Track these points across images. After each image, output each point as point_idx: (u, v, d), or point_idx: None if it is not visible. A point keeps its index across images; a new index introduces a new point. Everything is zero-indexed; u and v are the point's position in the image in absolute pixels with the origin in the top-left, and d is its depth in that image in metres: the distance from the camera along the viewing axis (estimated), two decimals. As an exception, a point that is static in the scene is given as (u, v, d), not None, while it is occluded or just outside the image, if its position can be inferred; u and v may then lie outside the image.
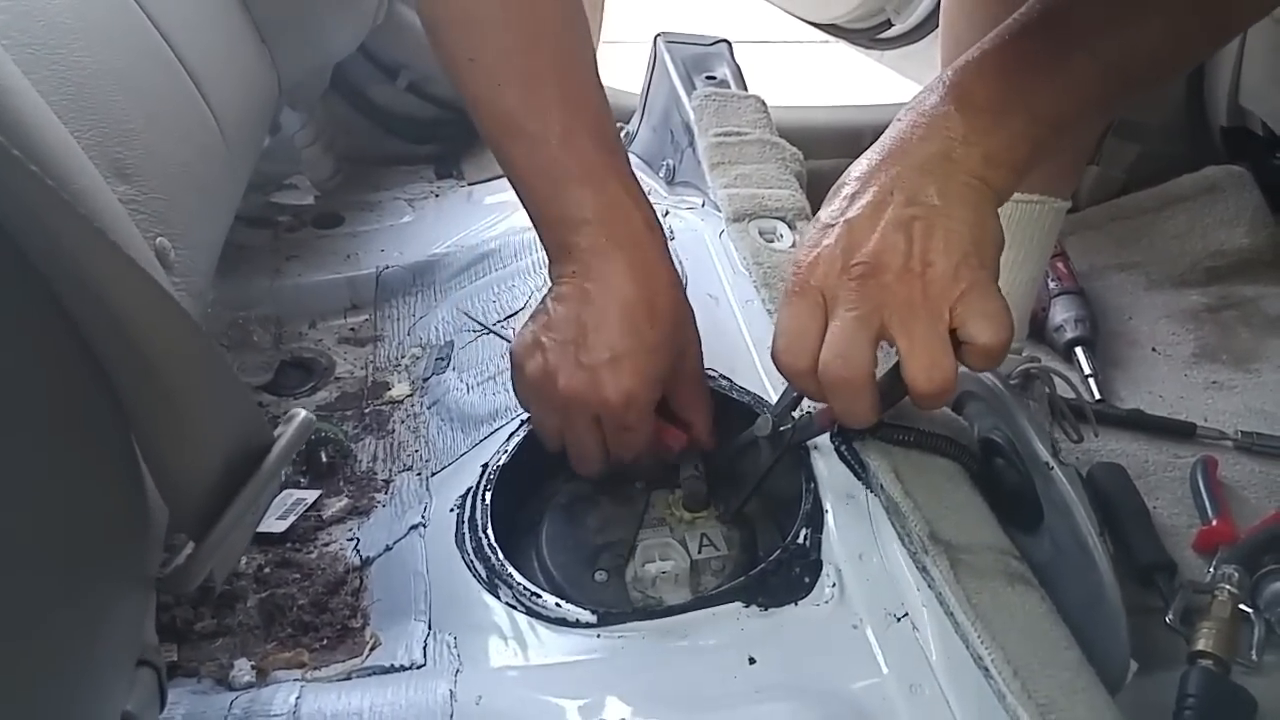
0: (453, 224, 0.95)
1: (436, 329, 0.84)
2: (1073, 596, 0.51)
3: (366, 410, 0.78)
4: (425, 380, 0.79)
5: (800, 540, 0.54)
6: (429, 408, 0.76)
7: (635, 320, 0.55)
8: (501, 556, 0.54)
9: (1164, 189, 1.15)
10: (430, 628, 0.53)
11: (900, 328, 0.49)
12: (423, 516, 0.60)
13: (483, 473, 0.60)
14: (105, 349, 0.35)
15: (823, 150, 1.07)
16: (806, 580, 0.52)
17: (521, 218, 0.94)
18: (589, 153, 0.57)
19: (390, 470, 0.72)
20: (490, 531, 0.56)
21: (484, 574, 0.54)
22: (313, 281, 0.89)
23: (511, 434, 0.63)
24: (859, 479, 0.55)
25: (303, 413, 0.41)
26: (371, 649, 0.53)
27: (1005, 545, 0.49)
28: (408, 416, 0.76)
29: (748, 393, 0.64)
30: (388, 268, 0.90)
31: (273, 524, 0.64)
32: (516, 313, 0.81)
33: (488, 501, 0.58)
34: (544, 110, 0.56)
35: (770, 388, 0.65)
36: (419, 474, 0.70)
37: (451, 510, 0.59)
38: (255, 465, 0.39)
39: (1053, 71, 0.50)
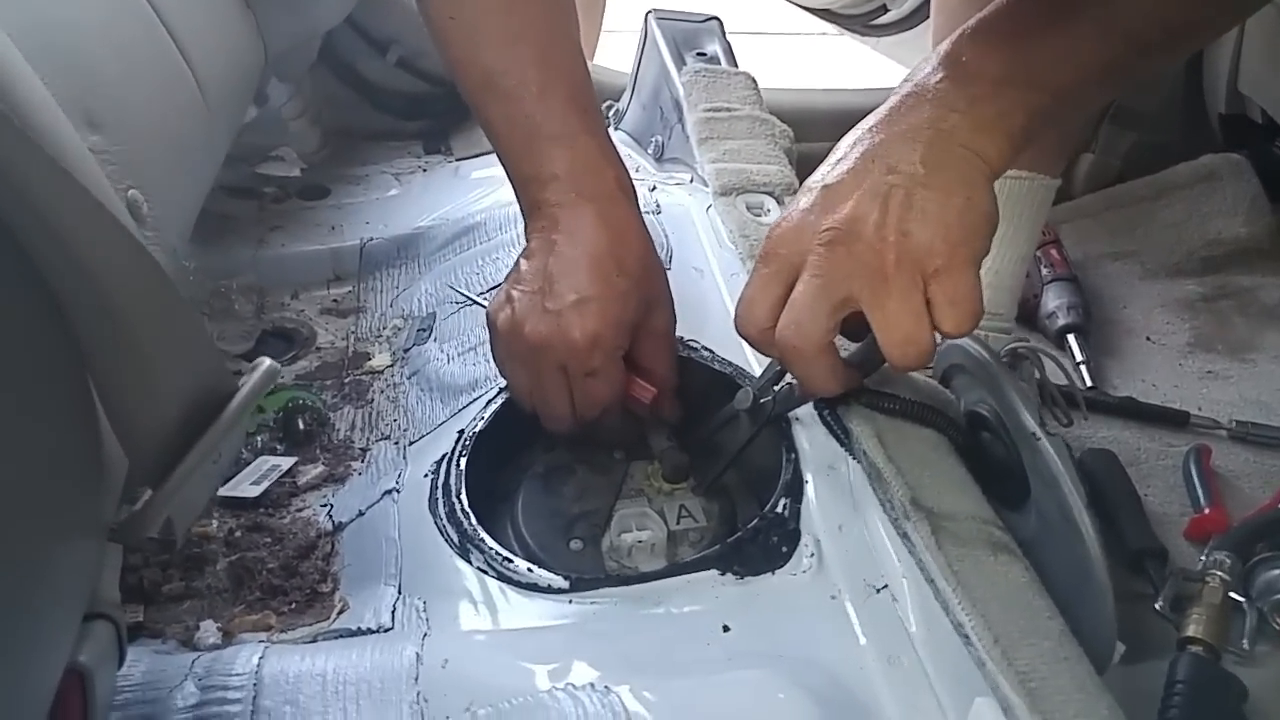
0: (439, 198, 0.94)
1: (419, 301, 0.83)
2: (1059, 572, 0.50)
3: (346, 380, 0.77)
4: (406, 351, 0.78)
5: (779, 510, 0.53)
6: (409, 378, 0.75)
7: (603, 268, 0.54)
8: (474, 521, 0.53)
9: (1161, 177, 1.14)
10: (400, 592, 0.52)
11: (871, 299, 0.48)
12: (397, 482, 0.59)
13: (459, 439, 0.59)
14: (65, 289, 0.34)
15: (815, 133, 1.06)
16: (784, 550, 0.51)
17: (508, 192, 0.92)
18: (562, 110, 0.56)
19: (368, 439, 0.70)
20: (464, 497, 0.55)
21: (456, 539, 0.53)
22: (296, 252, 0.88)
23: (489, 401, 0.62)
24: (841, 445, 0.54)
25: (267, 361, 0.40)
26: (340, 612, 0.52)
27: (988, 515, 0.48)
28: (387, 386, 0.75)
29: (730, 364, 0.63)
30: (372, 240, 0.89)
31: (246, 489, 0.63)
32: (496, 286, 0.79)
33: (462, 467, 0.57)
34: (520, 68, 0.56)
35: (753, 361, 0.64)
36: (396, 443, 0.69)
37: (426, 476, 0.58)
38: (216, 413, 0.38)
39: (1052, 37, 0.49)
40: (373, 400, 0.74)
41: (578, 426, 0.58)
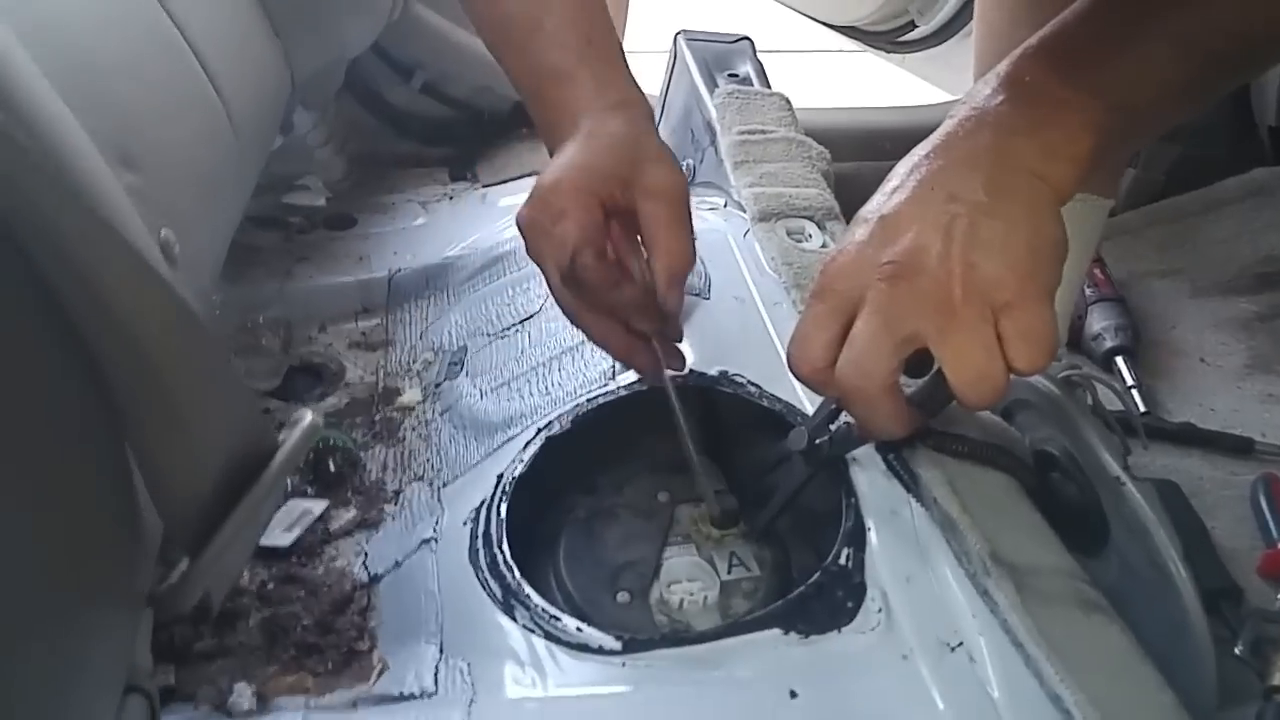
0: (466, 226, 0.92)
1: (449, 333, 0.81)
2: (1147, 626, 0.47)
3: (376, 417, 0.74)
4: (437, 386, 0.76)
5: (841, 561, 0.49)
6: (441, 414, 0.73)
7: (574, 150, 0.54)
8: (518, 575, 0.51)
9: (1207, 192, 1.10)
10: (442, 651, 0.49)
11: (937, 335, 0.45)
12: (434, 530, 0.57)
13: (498, 484, 0.57)
14: (101, 346, 0.32)
15: (844, 153, 1.04)
16: (850, 605, 0.47)
17: None
18: (576, 52, 0.56)
19: (400, 480, 0.68)
20: (506, 547, 0.52)
21: (499, 593, 0.50)
22: (324, 284, 0.86)
23: (528, 443, 0.60)
24: (909, 491, 0.51)
25: (309, 415, 0.38)
26: (379, 674, 0.49)
27: (1074, 569, 0.45)
28: (419, 424, 0.73)
29: (779, 400, 0.60)
30: (400, 270, 0.87)
31: (278, 537, 0.60)
32: (531, 316, 0.77)
33: (503, 515, 0.54)
34: (542, 12, 0.57)
35: (804, 396, 0.61)
36: (430, 484, 0.67)
37: (465, 524, 0.55)
38: (256, 474, 0.35)
39: (1121, 52, 0.46)
40: (404, 439, 0.72)
41: (568, 280, 0.56)
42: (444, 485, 0.66)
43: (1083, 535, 0.51)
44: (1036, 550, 0.44)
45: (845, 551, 0.50)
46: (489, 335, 0.78)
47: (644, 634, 0.51)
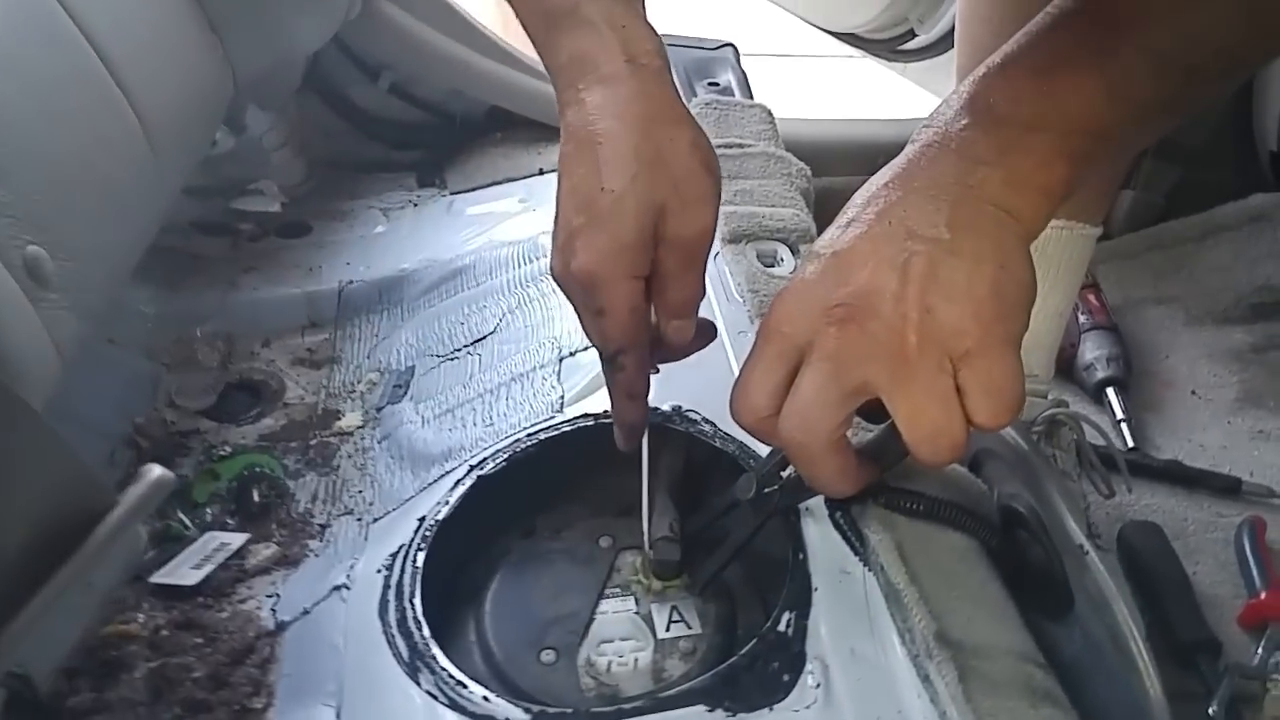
0: (428, 237, 0.88)
1: (398, 352, 0.76)
2: (1106, 703, 0.42)
3: (313, 442, 0.70)
4: (379, 410, 0.71)
5: (781, 627, 0.45)
6: (380, 442, 0.68)
7: (583, 188, 0.44)
8: (426, 633, 0.46)
9: (1206, 217, 1.05)
10: (339, 717, 0.45)
11: (890, 387, 0.40)
12: (348, 575, 0.52)
13: (417, 528, 0.52)
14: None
15: (833, 167, 0.99)
16: (786, 678, 0.43)
17: (502, 230, 0.87)
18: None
19: (329, 513, 0.64)
20: (417, 601, 0.48)
21: (405, 653, 0.46)
22: (270, 296, 0.81)
23: (458, 481, 0.55)
24: (855, 554, 0.46)
25: (157, 470, 0.33)
26: (267, 741, 0.44)
27: (1028, 649, 0.40)
28: (356, 451, 0.69)
29: (733, 440, 0.56)
30: (351, 283, 0.83)
31: (184, 574, 0.56)
32: (484, 337, 0.73)
33: (418, 564, 0.50)
34: None
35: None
36: (359, 519, 0.62)
37: (379, 571, 0.51)
38: (84, 536, 0.31)
39: (1092, 70, 0.41)
40: (339, 467, 0.68)
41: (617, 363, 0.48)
42: (374, 521, 0.62)
43: (1047, 599, 0.47)
44: (988, 627, 0.40)
45: (787, 616, 0.45)
46: (438, 356, 0.74)
47: (566, 699, 0.47)
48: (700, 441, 0.57)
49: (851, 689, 0.43)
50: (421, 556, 0.50)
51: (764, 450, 0.55)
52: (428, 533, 0.52)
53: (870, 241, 0.42)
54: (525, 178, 0.96)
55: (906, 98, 1.56)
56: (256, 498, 0.64)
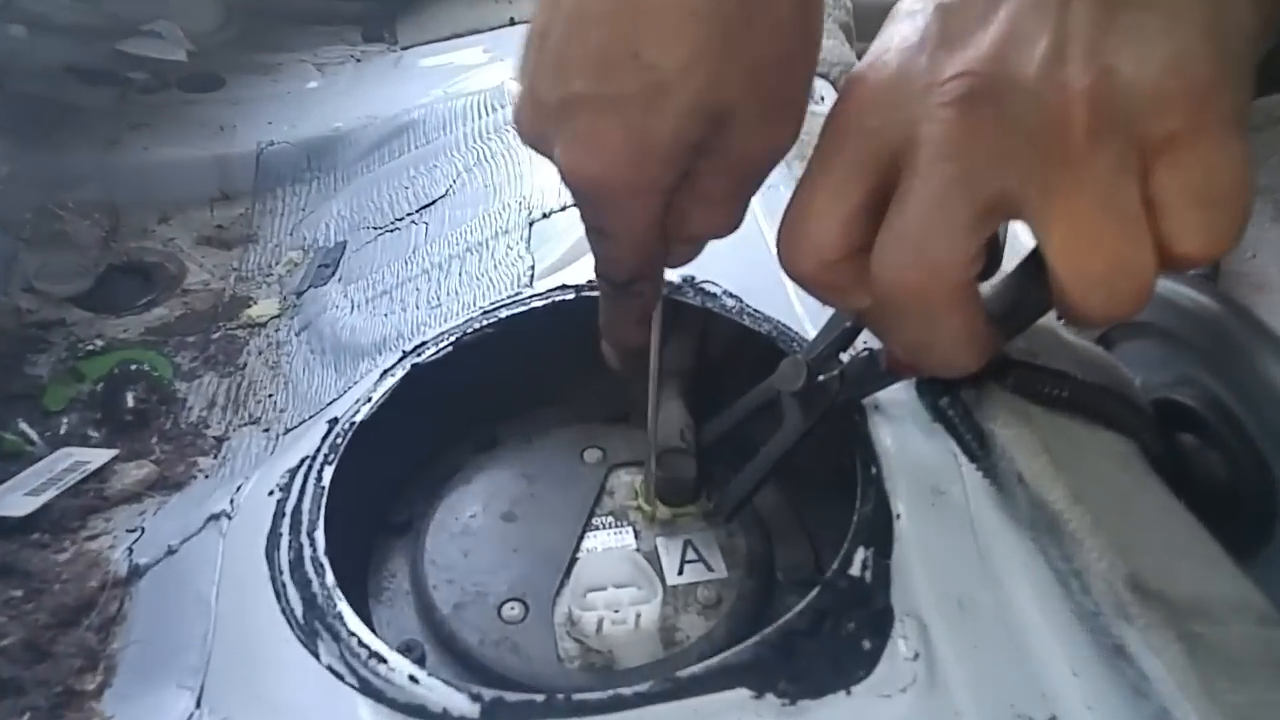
0: (369, 94, 0.71)
1: (327, 226, 0.60)
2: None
3: (214, 336, 0.54)
4: (299, 295, 0.55)
5: (855, 570, 0.30)
6: (298, 334, 0.53)
7: (608, 43, 0.27)
8: (330, 580, 0.31)
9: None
10: (199, 705, 0.30)
11: (1042, 199, 0.25)
12: (231, 501, 0.37)
13: (326, 434, 0.37)
14: None
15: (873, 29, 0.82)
16: (867, 645, 0.29)
17: (461, 83, 0.71)
18: None
19: (229, 423, 0.48)
20: (319, 535, 0.33)
21: (299, 610, 0.31)
22: (168, 159, 0.65)
23: (386, 372, 0.40)
24: (973, 460, 0.31)
25: None
26: (90, 740, 0.30)
27: (1265, 608, 0.25)
28: (268, 346, 0.53)
29: (766, 319, 0.41)
30: (273, 144, 0.66)
31: (15, 502, 0.41)
32: (434, 202, 0.57)
33: (324, 482, 0.35)
34: None
35: (805, 314, 0.41)
36: (267, 430, 0.47)
37: (271, 494, 0.35)
38: None
39: None
40: (245, 366, 0.52)
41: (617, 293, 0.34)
42: (286, 431, 0.47)
43: (1231, 530, 0.32)
44: (1197, 573, 0.25)
45: (861, 554, 0.31)
46: (375, 229, 0.58)
47: (538, 673, 0.33)
48: (722, 320, 0.41)
49: (967, 661, 0.28)
50: (330, 472, 0.35)
51: (812, 326, 0.40)
52: (339, 440, 0.36)
53: None
54: (493, 29, 0.78)
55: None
56: (131, 404, 0.48)
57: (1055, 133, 0.25)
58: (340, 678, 0.29)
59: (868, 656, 0.28)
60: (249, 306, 0.56)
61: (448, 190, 0.57)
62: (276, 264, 0.59)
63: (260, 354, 0.52)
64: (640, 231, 0.31)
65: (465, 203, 0.55)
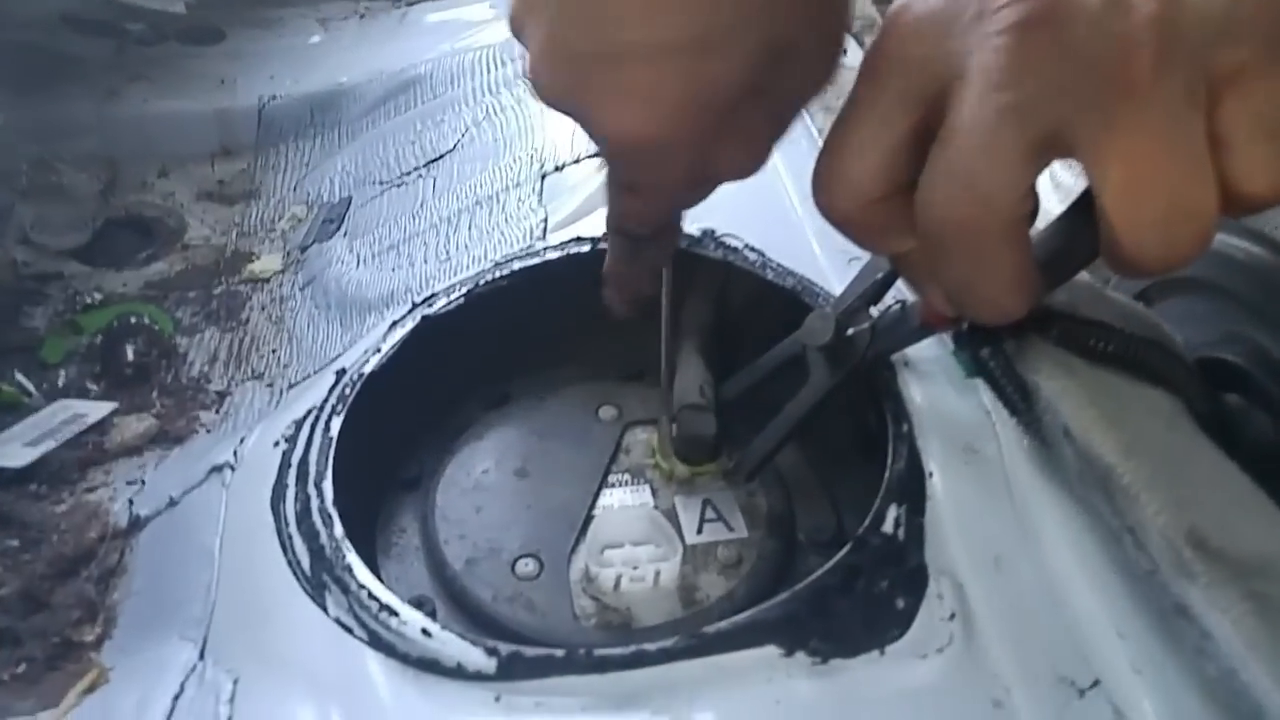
0: (374, 49, 0.69)
1: (332, 181, 0.59)
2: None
3: (216, 291, 0.53)
4: (304, 250, 0.54)
5: (887, 528, 0.29)
6: (302, 289, 0.51)
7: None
8: (338, 531, 0.30)
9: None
10: (202, 657, 0.29)
11: (1102, 133, 0.24)
12: (235, 453, 0.36)
13: (334, 384, 0.36)
14: None
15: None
16: (900, 604, 0.27)
17: (468, 38, 0.69)
18: None
19: (231, 378, 0.47)
20: (327, 485, 0.32)
21: (306, 562, 0.30)
22: (167, 111, 0.63)
23: (395, 323, 0.38)
24: (1015, 413, 0.30)
25: None
26: (86, 692, 0.29)
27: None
28: (271, 301, 0.52)
29: (791, 274, 0.39)
30: (275, 99, 0.64)
31: (13, 452, 0.39)
32: (442, 156, 0.55)
33: (332, 432, 0.33)
34: None
35: (830, 269, 0.40)
36: (270, 384, 0.46)
37: (277, 444, 0.34)
38: None
39: None
40: (248, 320, 0.51)
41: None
42: (290, 386, 0.45)
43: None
44: (1263, 531, 0.24)
45: (894, 512, 0.30)
46: (381, 184, 0.56)
47: (555, 629, 0.31)
48: (743, 274, 0.40)
49: (1004, 621, 0.27)
50: (338, 422, 0.34)
51: (838, 281, 0.38)
52: (348, 390, 0.35)
53: None
54: (502, -15, 0.76)
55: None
56: (131, 357, 0.47)
57: (1117, 62, 0.23)
58: (349, 630, 0.28)
59: (902, 615, 0.27)
60: (251, 261, 0.54)
61: (456, 144, 0.55)
62: (280, 219, 0.57)
63: (263, 309, 0.51)
64: (675, 184, 0.29)
65: (474, 157, 0.53)
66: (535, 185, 0.48)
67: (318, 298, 0.50)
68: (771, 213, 0.43)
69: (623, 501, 0.36)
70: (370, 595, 0.28)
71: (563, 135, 0.51)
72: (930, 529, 0.30)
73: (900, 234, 0.28)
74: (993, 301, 0.26)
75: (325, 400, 0.35)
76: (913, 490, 0.30)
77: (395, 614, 0.28)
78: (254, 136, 0.63)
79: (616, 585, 0.33)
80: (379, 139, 0.59)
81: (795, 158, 0.47)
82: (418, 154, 0.56)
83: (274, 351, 0.48)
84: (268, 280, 0.53)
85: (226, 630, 0.30)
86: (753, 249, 0.41)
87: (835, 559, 0.28)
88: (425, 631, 0.27)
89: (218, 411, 0.45)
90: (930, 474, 0.31)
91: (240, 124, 0.63)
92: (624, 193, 0.30)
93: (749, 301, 0.40)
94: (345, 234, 0.53)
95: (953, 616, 0.27)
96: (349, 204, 0.56)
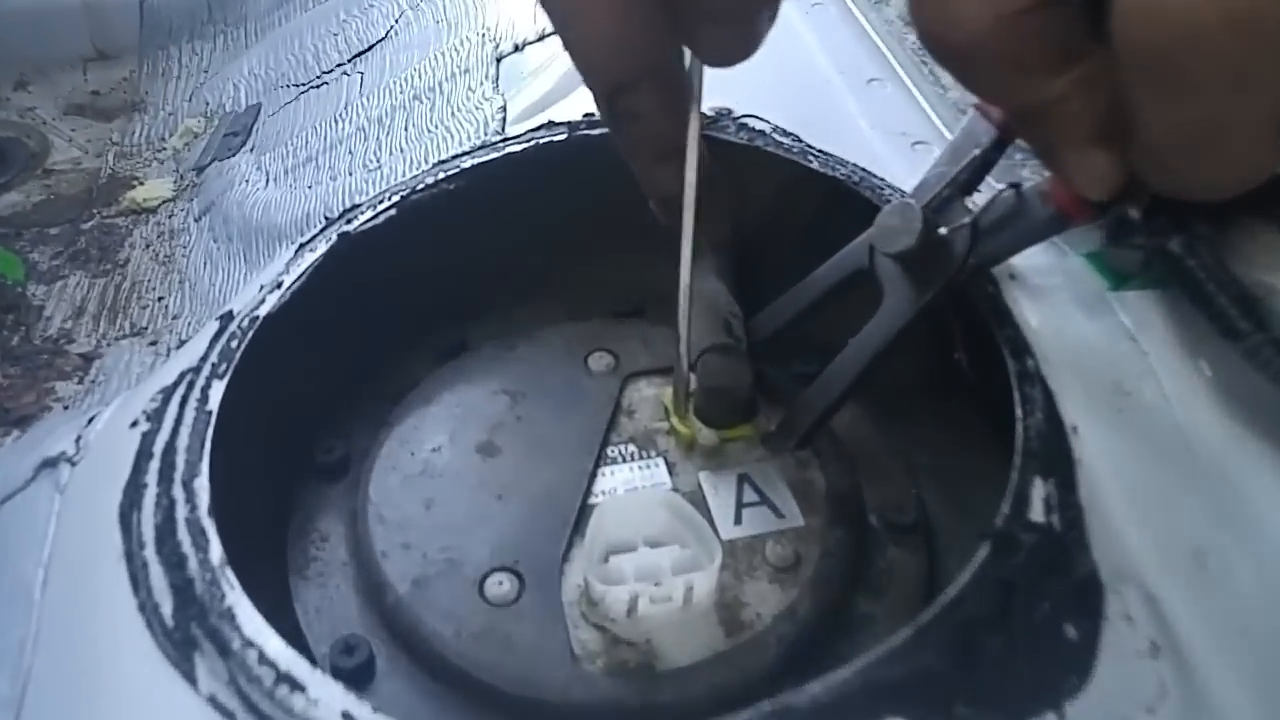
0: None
1: (235, 87, 0.47)
2: None
3: (86, 225, 0.42)
4: (200, 171, 0.43)
5: (1036, 514, 0.20)
6: (197, 218, 0.40)
7: None
8: (215, 555, 0.20)
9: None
10: (9, 759, 0.19)
11: None
12: (77, 439, 0.25)
13: (216, 335, 0.25)
14: None
15: None
16: (1072, 635, 0.18)
17: None
18: None
19: (102, 336, 0.36)
20: (200, 484, 0.21)
21: (165, 607, 0.19)
22: (24, 6, 0.50)
23: (304, 244, 0.27)
24: (1235, 335, 0.21)
25: None
26: None
27: None
28: (159, 236, 0.41)
29: (841, 163, 0.29)
30: (161, -11, 0.52)
31: None
32: (371, 47, 0.44)
33: (210, 406, 0.23)
34: None
35: (888, 154, 0.30)
36: (154, 343, 0.35)
37: (134, 425, 0.24)
38: None
39: None
40: (127, 262, 0.39)
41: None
42: (180, 344, 0.34)
43: None
44: None
45: (1038, 489, 0.20)
46: (296, 86, 0.44)
47: (535, 689, 0.22)
48: (775, 164, 0.30)
49: (1233, 653, 0.18)
50: (219, 389, 0.23)
51: (902, 181, 0.28)
52: (235, 342, 0.24)
53: None
54: None
55: None
56: (-37, 313, 0.36)
57: None
58: (230, 717, 0.18)
59: (1078, 651, 0.18)
60: (133, 188, 0.43)
61: (388, 32, 0.44)
62: (170, 135, 0.46)
63: (148, 246, 0.40)
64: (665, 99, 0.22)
65: (411, 44, 0.42)
66: (489, 70, 0.37)
67: (217, 229, 0.39)
68: (802, 88, 0.33)
69: (629, 483, 0.26)
70: (262, 659, 0.18)
71: (520, 8, 0.39)
72: (1091, 513, 0.20)
73: (1063, 64, 0.18)
74: (1242, 158, 0.17)
75: (203, 358, 0.24)
76: (1057, 455, 0.21)
77: (301, 689, 0.18)
78: (136, 36, 0.51)
79: (631, 609, 0.23)
80: (294, 34, 0.48)
81: (823, 21, 0.37)
82: (341, 48, 0.45)
83: (160, 300, 0.37)
84: (154, 210, 0.42)
85: (44, 705, 0.20)
86: (785, 132, 0.31)
87: (972, 568, 0.19)
88: (349, 718, 0.17)
89: (82, 381, 0.34)
90: (1074, 429, 0.22)
91: (117, 21, 0.51)
92: (560, 25, 0.21)
93: (786, 202, 0.30)
94: (252, 149, 0.42)
95: (1155, 649, 0.18)
96: (257, 113, 0.44)
